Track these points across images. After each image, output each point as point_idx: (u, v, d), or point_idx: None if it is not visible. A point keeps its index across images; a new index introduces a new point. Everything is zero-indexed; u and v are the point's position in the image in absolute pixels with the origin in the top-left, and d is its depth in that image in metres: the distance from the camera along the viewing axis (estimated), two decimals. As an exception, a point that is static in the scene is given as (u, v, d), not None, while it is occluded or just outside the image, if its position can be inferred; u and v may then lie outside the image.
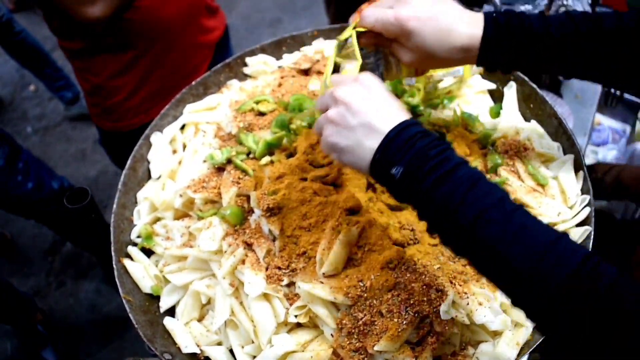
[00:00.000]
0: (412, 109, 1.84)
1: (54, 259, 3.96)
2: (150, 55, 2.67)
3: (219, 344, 1.69)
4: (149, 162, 2.00)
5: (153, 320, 1.73)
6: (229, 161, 1.81)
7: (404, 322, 1.49)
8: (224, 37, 2.98)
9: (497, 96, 2.06)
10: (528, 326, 1.56)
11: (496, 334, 1.59)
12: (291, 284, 1.62)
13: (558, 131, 1.89)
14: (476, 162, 1.76)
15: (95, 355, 3.34)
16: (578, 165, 1.80)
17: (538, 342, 1.54)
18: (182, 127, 2.07)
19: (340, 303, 1.55)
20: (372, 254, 1.59)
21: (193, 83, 2.12)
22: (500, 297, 1.56)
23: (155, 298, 1.79)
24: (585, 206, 1.72)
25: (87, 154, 4.89)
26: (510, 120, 1.92)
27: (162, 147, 2.00)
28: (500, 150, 1.81)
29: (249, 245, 1.68)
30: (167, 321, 1.73)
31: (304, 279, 1.58)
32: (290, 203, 1.65)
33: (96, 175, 4.69)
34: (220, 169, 1.83)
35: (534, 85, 1.97)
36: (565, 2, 2.54)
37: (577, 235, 1.68)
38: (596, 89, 2.83)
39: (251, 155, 1.81)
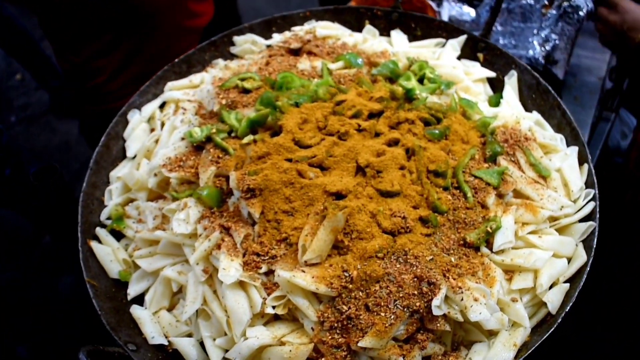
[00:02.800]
0: (407, 93, 1.70)
1: (32, 251, 3.78)
2: (134, 36, 2.51)
3: (189, 335, 1.54)
4: (124, 141, 1.84)
5: (119, 308, 1.57)
6: (209, 139, 1.65)
7: (392, 317, 1.34)
8: (213, 23, 2.82)
9: (497, 86, 1.92)
10: (527, 326, 1.42)
11: (492, 334, 1.45)
12: (270, 273, 1.47)
13: (561, 123, 1.76)
14: (474, 150, 1.61)
15: (73, 351, 3.14)
16: (582, 159, 1.66)
17: (537, 344, 1.39)
18: (162, 106, 1.91)
19: (322, 294, 1.40)
20: (359, 242, 1.43)
21: (176, 60, 1.98)
22: (498, 294, 1.41)
23: (122, 284, 1.63)
24: (589, 200, 1.57)
25: (72, 146, 4.70)
26: (511, 109, 1.78)
27: (139, 125, 1.85)
28: (500, 139, 1.67)
29: (225, 229, 1.52)
30: (135, 309, 1.56)
31: (284, 266, 1.42)
32: (273, 184, 1.50)
33: (79, 167, 4.51)
34: (198, 148, 1.67)
35: (537, 75, 1.83)
36: (568, -2, 2.41)
37: (581, 231, 1.54)
38: (595, 90, 2.69)
39: (233, 134, 1.66)
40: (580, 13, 2.45)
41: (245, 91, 1.74)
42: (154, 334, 1.51)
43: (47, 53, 4.46)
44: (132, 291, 1.60)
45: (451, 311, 1.37)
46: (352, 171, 1.54)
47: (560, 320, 1.41)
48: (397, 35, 2.02)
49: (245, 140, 1.60)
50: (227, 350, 1.43)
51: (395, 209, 1.48)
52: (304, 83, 1.73)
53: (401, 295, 1.36)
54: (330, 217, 1.41)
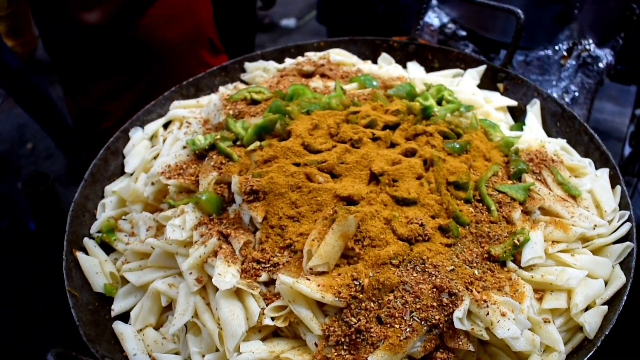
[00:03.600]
0: (425, 110, 1.60)
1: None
2: (145, 80, 2.48)
3: (177, 354, 1.35)
4: (123, 157, 1.73)
5: (100, 323, 1.41)
6: (212, 148, 1.54)
7: (408, 330, 1.17)
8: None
9: (518, 117, 1.82)
10: (561, 350, 1.24)
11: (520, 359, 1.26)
12: (271, 283, 1.32)
13: (589, 148, 1.64)
14: (497, 167, 1.49)
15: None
16: (615, 182, 1.53)
17: (573, 370, 1.21)
18: (166, 127, 1.82)
19: (329, 305, 1.23)
20: (371, 249, 1.29)
21: (184, 83, 1.91)
22: (529, 310, 1.24)
23: (107, 300, 1.47)
24: (625, 222, 1.43)
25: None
26: (534, 134, 1.67)
27: (140, 142, 1.75)
28: (525, 159, 1.55)
29: (224, 237, 1.38)
30: (117, 325, 1.40)
31: (286, 274, 1.27)
32: (278, 188, 1.38)
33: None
34: (201, 157, 1.56)
35: (562, 102, 1.74)
36: (587, 48, 2.37)
37: (617, 252, 1.39)
38: (615, 155, 2.61)
39: (238, 143, 1.55)
40: (600, 65, 2.40)
41: (254, 102, 1.65)
42: (136, 351, 1.34)
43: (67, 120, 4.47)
44: (117, 307, 1.44)
45: (475, 328, 1.20)
46: (365, 179, 1.42)
47: (599, 345, 1.23)
48: (414, 66, 1.96)
49: (251, 147, 1.50)
50: (217, 370, 1.25)
51: (411, 217, 1.34)
52: (316, 95, 1.65)
53: (418, 306, 1.20)
54: (340, 220, 1.28)
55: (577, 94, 2.38)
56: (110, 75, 2.46)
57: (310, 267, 1.27)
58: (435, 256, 1.28)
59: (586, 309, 1.31)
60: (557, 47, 2.41)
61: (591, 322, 1.26)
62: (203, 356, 1.29)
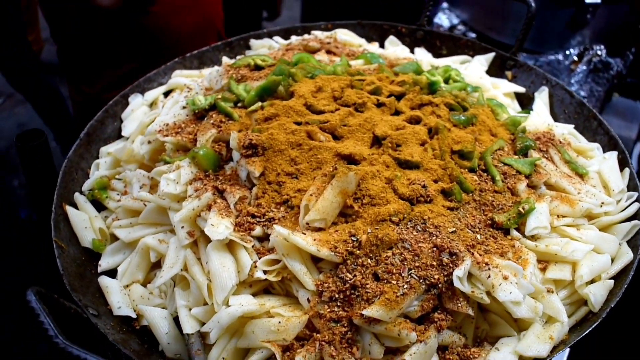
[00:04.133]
0: (431, 85, 1.57)
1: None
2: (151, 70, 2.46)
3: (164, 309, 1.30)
4: (121, 121, 1.70)
5: (85, 276, 1.36)
6: (213, 108, 1.51)
7: (405, 287, 1.13)
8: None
9: (526, 104, 1.80)
10: (564, 320, 1.19)
11: (522, 330, 1.20)
12: (265, 239, 1.27)
13: (598, 133, 1.62)
14: (502, 142, 1.46)
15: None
16: (624, 164, 1.50)
17: (576, 340, 1.16)
18: (167, 95, 1.80)
19: (324, 259, 1.19)
20: (371, 207, 1.25)
21: (187, 55, 1.89)
22: (532, 277, 1.19)
23: (94, 256, 1.42)
24: (633, 202, 1.39)
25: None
26: (541, 119, 1.64)
27: (139, 107, 1.72)
28: (532, 138, 1.52)
29: (219, 192, 1.35)
30: (103, 278, 1.35)
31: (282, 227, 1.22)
32: (278, 144, 1.34)
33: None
34: (200, 118, 1.53)
35: (570, 90, 1.72)
36: (599, 53, 2.36)
37: (625, 231, 1.35)
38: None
39: (239, 105, 1.52)
40: (611, 72, 2.38)
41: (258, 68, 1.63)
42: (121, 304, 1.29)
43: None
44: (105, 263, 1.40)
45: (475, 291, 1.16)
46: (367, 142, 1.39)
47: (603, 316, 1.19)
48: (422, 51, 1.94)
49: (253, 107, 1.47)
50: (204, 324, 1.20)
51: (414, 178, 1.30)
52: (321, 64, 1.62)
53: (417, 264, 1.16)
54: (340, 176, 1.24)
55: (586, 101, 2.36)
56: (120, 64, 2.44)
57: (307, 222, 1.23)
58: (437, 217, 1.24)
59: (591, 283, 1.26)
60: (567, 52, 2.40)
61: (596, 294, 1.22)
62: (190, 310, 1.23)
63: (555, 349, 1.16)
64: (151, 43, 2.39)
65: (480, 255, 1.19)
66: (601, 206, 1.37)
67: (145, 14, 2.35)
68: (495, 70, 1.87)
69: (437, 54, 1.97)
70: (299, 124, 1.40)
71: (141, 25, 2.36)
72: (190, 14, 2.50)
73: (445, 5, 2.71)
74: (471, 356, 1.15)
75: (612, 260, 1.31)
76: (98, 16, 2.27)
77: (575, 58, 2.40)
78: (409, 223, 1.23)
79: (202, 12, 2.59)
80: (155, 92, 1.77)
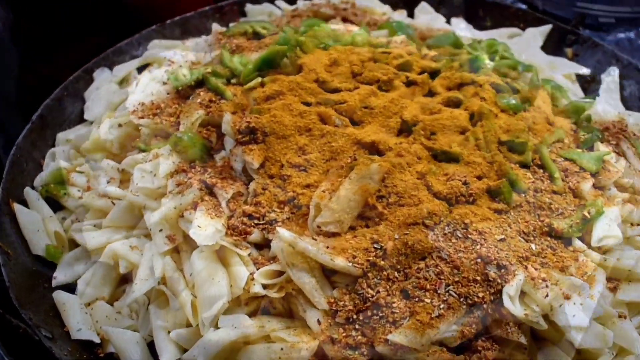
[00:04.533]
0: (473, 62, 1.58)
1: None
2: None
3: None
4: (84, 102, 1.71)
5: (37, 289, 1.37)
6: (200, 85, 1.52)
7: (442, 306, 1.13)
8: None
9: (590, 89, 1.81)
10: (638, 353, 1.18)
11: (586, 362, 1.21)
12: (265, 246, 1.27)
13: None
14: (562, 132, 1.46)
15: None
16: None
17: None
18: (141, 70, 1.80)
19: (339, 270, 1.19)
20: (399, 209, 1.25)
21: (167, 22, 1.90)
22: (600, 297, 1.19)
23: (48, 266, 1.42)
24: None
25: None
26: (610, 107, 1.65)
27: (107, 85, 1.73)
28: (598, 127, 1.52)
29: (208, 187, 1.35)
30: (59, 293, 1.35)
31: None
32: (282, 129, 1.35)
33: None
34: (185, 96, 1.54)
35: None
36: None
37: None
38: None
39: (234, 81, 1.53)
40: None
41: (257, 37, 1.64)
42: (80, 325, 1.29)
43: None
44: (61, 275, 1.40)
45: (529, 313, 1.16)
46: (394, 128, 1.40)
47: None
48: (460, 22, 1.95)
49: (251, 84, 1.48)
50: (186, 351, 1.20)
51: (452, 173, 1.31)
52: (337, 34, 1.64)
53: (457, 279, 1.16)
54: (360, 169, 1.25)
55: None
56: (84, 38, 2.44)
57: (318, 225, 1.23)
58: (482, 222, 1.25)
59: (675, 308, 1.27)
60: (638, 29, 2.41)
61: (681, 321, 1.22)
62: (169, 332, 1.23)
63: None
64: (124, 11, 2.39)
65: (536, 269, 1.19)
66: (692, 213, 1.38)
67: None
68: (552, 47, 1.88)
69: (479, 26, 1.98)
70: (308, 104, 1.41)
71: None
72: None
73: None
74: (523, 396, 1.15)
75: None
76: None
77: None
78: (446, 228, 1.23)
79: None
80: (127, 67, 1.78)
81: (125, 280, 1.38)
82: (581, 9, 2.26)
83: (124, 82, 1.77)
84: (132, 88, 1.70)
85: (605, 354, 1.19)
